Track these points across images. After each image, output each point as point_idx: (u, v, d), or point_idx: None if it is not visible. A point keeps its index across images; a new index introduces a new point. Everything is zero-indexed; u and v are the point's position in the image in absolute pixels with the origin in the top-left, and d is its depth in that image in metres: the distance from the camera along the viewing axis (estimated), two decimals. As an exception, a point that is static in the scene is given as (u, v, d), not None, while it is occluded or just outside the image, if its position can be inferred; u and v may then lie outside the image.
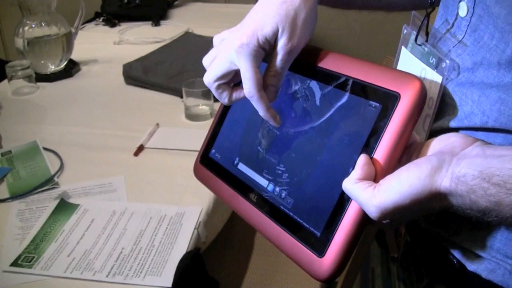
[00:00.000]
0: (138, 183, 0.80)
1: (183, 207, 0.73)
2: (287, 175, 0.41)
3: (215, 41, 0.44)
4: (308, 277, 0.37)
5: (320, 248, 0.36)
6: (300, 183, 0.39)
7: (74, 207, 0.74)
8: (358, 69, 0.38)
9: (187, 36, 1.46)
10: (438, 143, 0.34)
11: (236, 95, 0.43)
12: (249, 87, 0.39)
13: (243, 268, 1.26)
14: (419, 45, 0.39)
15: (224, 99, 0.43)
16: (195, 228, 0.69)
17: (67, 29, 1.22)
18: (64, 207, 0.74)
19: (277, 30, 0.38)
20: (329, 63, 0.40)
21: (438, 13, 0.41)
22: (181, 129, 0.98)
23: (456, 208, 0.31)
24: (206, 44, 1.43)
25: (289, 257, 0.39)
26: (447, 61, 0.36)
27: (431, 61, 0.39)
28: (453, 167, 0.31)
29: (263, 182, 0.43)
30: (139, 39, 1.49)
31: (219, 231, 0.80)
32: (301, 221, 0.38)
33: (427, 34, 0.39)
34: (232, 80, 0.42)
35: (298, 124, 0.41)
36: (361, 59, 0.39)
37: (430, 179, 0.30)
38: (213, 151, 0.50)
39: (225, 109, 0.51)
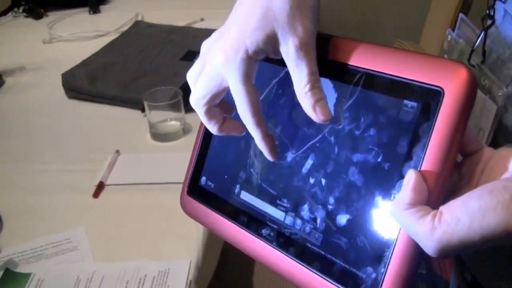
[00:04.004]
0: (103, 234, 0.78)
1: (167, 262, 0.72)
2: (308, 203, 0.40)
3: (202, 48, 0.42)
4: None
5: None
6: (327, 213, 0.39)
7: (25, 277, 0.71)
8: (383, 59, 0.37)
9: (139, 26, 1.43)
10: None
11: (229, 125, 0.42)
12: (242, 110, 0.38)
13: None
14: (473, 66, 0.39)
15: (213, 127, 0.42)
16: (186, 290, 0.68)
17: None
18: (12, 280, 0.71)
19: (273, 32, 0.37)
20: (344, 53, 0.39)
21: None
22: (149, 155, 0.96)
23: None
24: (163, 35, 1.43)
25: None
26: (504, 89, 0.37)
27: (483, 83, 0.39)
28: None
29: (277, 214, 0.42)
30: (76, 34, 1.44)
31: (210, 279, 0.80)
32: (337, 261, 0.37)
33: (484, 53, 0.39)
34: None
35: (311, 136, 0.40)
36: (384, 46, 0.37)
37: (507, 214, 0.29)
38: (203, 178, 0.49)
39: None
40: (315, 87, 0.36)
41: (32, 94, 1.19)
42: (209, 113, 0.41)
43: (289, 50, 0.37)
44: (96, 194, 0.86)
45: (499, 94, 0.37)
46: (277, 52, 0.37)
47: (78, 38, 1.43)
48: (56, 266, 0.73)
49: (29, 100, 1.17)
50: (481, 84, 0.39)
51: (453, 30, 0.41)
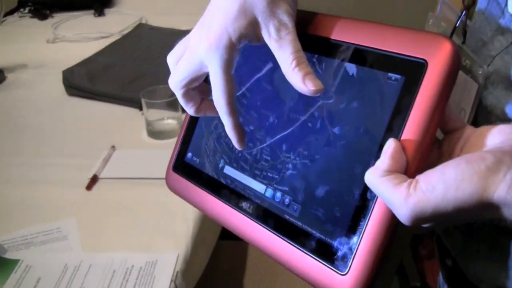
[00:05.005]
0: (94, 225, 0.79)
1: (155, 254, 0.73)
2: (288, 175, 0.41)
3: (178, 48, 0.43)
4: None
5: (342, 262, 0.35)
6: (307, 184, 0.39)
7: (12, 264, 0.72)
8: (367, 33, 0.37)
9: (141, 29, 1.45)
10: (497, 135, 0.33)
11: (206, 107, 0.44)
12: (217, 97, 0.39)
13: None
14: None
15: (191, 108, 0.43)
16: (171, 281, 0.68)
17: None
18: (0, 265, 0.71)
19: (254, 18, 0.38)
20: (328, 29, 0.40)
21: None
22: (144, 151, 0.97)
23: (511, 223, 0.31)
24: (165, 38, 1.44)
25: (301, 276, 0.38)
26: (485, 67, 0.37)
27: (464, 64, 0.40)
28: None
29: (259, 187, 0.43)
30: (80, 34, 1.47)
31: (200, 276, 0.80)
32: (314, 231, 0.38)
33: (464, 33, 0.40)
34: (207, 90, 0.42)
35: (297, 110, 0.41)
36: (368, 21, 0.38)
37: (482, 184, 0.30)
38: (189, 154, 0.50)
39: None
40: (301, 62, 0.37)
41: (32, 91, 1.20)
42: (187, 95, 0.42)
43: (270, 33, 0.38)
44: (89, 187, 0.86)
45: (480, 72, 0.38)
46: (260, 37, 0.39)
47: (81, 38, 1.45)
48: (44, 254, 0.73)
49: (29, 96, 1.18)
50: (462, 65, 0.40)
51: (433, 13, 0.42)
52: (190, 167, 0.50)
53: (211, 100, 0.41)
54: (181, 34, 0.42)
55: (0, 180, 0.90)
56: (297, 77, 0.37)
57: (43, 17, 1.61)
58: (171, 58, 0.43)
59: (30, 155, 0.97)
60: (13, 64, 1.30)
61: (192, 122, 0.51)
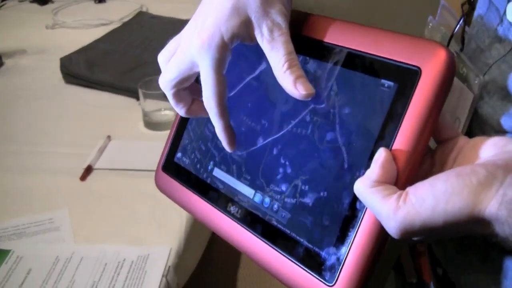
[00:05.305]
0: (87, 217, 0.78)
1: (147, 248, 0.72)
2: (278, 180, 0.40)
3: (169, 46, 0.42)
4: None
5: (329, 273, 0.35)
6: (296, 190, 0.38)
7: (3, 254, 0.71)
8: (361, 38, 0.36)
9: (142, 17, 1.44)
10: (491, 147, 0.32)
11: (197, 108, 0.43)
12: (207, 98, 0.38)
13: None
14: None
15: (181, 109, 0.42)
16: (163, 276, 0.68)
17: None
18: (-9, 255, 0.71)
19: (247, 17, 0.37)
20: (322, 32, 0.39)
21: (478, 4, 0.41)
22: (139, 143, 0.96)
23: (502, 240, 0.30)
24: (166, 27, 1.43)
25: (287, 285, 0.38)
26: (481, 77, 0.36)
27: (461, 72, 0.39)
28: (507, 187, 0.29)
29: (247, 191, 0.42)
30: (79, 21, 1.45)
31: (192, 273, 0.79)
32: (301, 240, 0.37)
33: (462, 40, 0.39)
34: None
35: (288, 114, 0.40)
36: (363, 25, 0.37)
37: (473, 199, 0.29)
38: (178, 154, 0.49)
39: None
40: (293, 65, 0.36)
41: (30, 77, 1.19)
42: (177, 95, 0.41)
43: (263, 33, 0.37)
44: (83, 177, 0.86)
45: (476, 82, 0.37)
46: (253, 37, 0.38)
47: (81, 25, 1.43)
48: (36, 245, 0.73)
49: (27, 83, 1.17)
50: (459, 73, 0.39)
51: (435, 17, 0.41)
52: (179, 168, 0.49)
53: (202, 102, 0.40)
54: (182, 23, 0.41)
55: (-5, 167, 0.89)
56: (288, 80, 0.36)
57: (43, 2, 1.60)
58: (162, 57, 0.42)
59: (24, 142, 0.96)
60: (12, 49, 1.29)
61: (183, 122, 0.50)
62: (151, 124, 1.00)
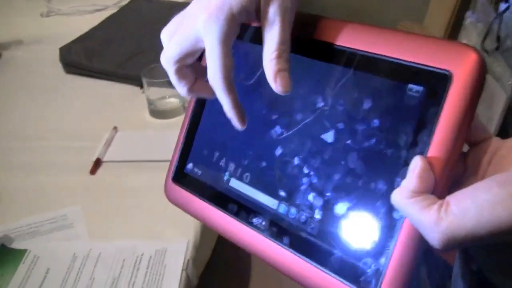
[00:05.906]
0: (100, 212, 0.77)
1: (164, 242, 0.72)
2: (303, 190, 0.39)
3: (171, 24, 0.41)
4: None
5: (369, 284, 0.34)
6: (324, 200, 0.38)
7: (20, 254, 0.71)
8: (385, 41, 0.36)
9: (138, 2, 1.40)
10: None
11: (199, 86, 0.41)
12: (213, 72, 0.37)
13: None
14: (486, 51, 0.38)
15: (183, 87, 0.41)
16: (183, 270, 0.68)
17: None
18: (7, 256, 0.70)
19: None
20: (341, 36, 0.38)
21: None
22: (147, 133, 0.95)
23: None
24: (164, 11, 1.40)
25: None
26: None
27: (495, 70, 0.37)
28: None
29: (270, 202, 0.41)
30: (74, 7, 1.42)
31: (208, 259, 0.79)
32: (336, 251, 0.36)
33: (498, 38, 0.37)
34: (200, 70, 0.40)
35: (311, 121, 0.39)
36: (385, 28, 0.37)
37: None
38: (189, 165, 0.47)
39: (200, 103, 0.47)
40: (281, 56, 0.36)
41: (29, 69, 1.17)
42: (180, 72, 0.40)
43: (268, 13, 0.36)
44: (93, 171, 0.85)
45: (509, 83, 0.35)
46: (258, 16, 0.37)
47: (76, 12, 1.40)
48: (51, 243, 0.72)
49: (26, 75, 1.15)
50: (492, 71, 0.37)
51: (473, 12, 0.40)
52: (192, 179, 0.46)
53: (206, 81, 0.38)
54: (179, 7, 0.39)
55: (3, 165, 0.87)
56: (271, 69, 0.36)
57: (35, -12, 1.55)
58: (165, 33, 0.40)
59: (30, 138, 0.94)
60: (8, 40, 1.26)
61: (191, 130, 0.47)
62: (157, 113, 0.99)
